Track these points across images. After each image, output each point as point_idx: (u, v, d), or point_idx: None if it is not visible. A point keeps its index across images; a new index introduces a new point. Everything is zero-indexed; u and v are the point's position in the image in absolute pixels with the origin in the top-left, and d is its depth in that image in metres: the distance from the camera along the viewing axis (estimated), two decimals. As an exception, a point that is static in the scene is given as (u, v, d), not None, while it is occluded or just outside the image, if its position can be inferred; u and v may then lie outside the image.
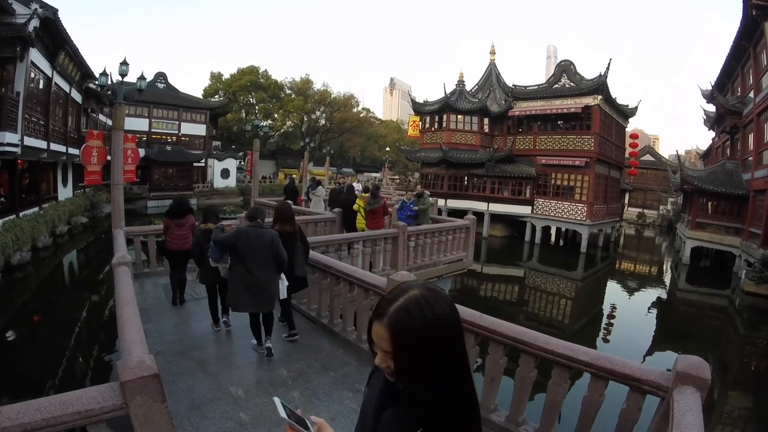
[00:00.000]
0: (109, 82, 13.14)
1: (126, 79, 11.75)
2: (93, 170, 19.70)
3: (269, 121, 59.86)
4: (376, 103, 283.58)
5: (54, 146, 18.70)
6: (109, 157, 21.62)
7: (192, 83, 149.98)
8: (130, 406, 2.38)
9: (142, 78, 12.50)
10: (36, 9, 14.37)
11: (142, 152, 35.61)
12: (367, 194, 11.07)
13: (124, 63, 11.51)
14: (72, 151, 21.18)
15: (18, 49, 14.65)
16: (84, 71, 22.70)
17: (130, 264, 5.45)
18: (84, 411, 2.25)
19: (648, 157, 47.84)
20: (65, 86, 21.21)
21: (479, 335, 3.89)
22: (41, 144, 17.26)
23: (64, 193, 22.90)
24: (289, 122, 63.29)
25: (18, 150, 14.63)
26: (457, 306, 3.82)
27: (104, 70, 12.91)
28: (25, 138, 15.22)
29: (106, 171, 20.38)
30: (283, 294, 5.40)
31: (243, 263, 5.01)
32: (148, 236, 8.86)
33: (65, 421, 2.20)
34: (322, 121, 65.02)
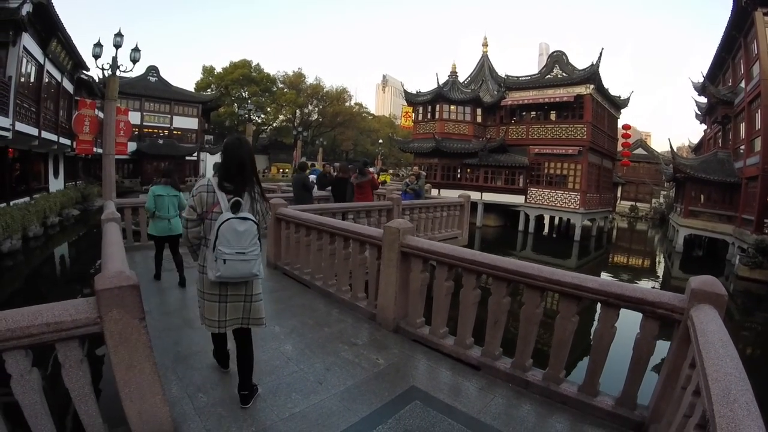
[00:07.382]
0: (102, 66, 12.85)
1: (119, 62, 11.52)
2: (85, 139, 19.47)
3: (261, 115, 59.66)
4: (369, 99, 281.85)
5: (45, 134, 18.32)
6: (97, 148, 21.38)
7: (184, 77, 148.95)
8: (105, 320, 2.18)
9: (136, 50, 12.14)
10: (30, -7, 14.01)
11: (134, 146, 35.39)
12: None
13: (119, 35, 11.28)
14: (63, 140, 20.75)
15: (11, 33, 14.34)
16: (76, 61, 22.24)
17: (119, 221, 5.33)
18: (53, 323, 2.05)
19: (640, 151, 48.11)
20: (57, 75, 20.82)
21: (480, 273, 3.72)
22: (33, 131, 16.86)
23: (56, 184, 22.52)
24: (282, 116, 62.89)
25: (9, 135, 14.27)
26: (456, 247, 3.63)
27: (98, 41, 12.57)
28: (17, 123, 14.86)
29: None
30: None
31: None
32: (139, 209, 8.57)
33: (32, 333, 2.00)
34: (315, 116, 64.62)
